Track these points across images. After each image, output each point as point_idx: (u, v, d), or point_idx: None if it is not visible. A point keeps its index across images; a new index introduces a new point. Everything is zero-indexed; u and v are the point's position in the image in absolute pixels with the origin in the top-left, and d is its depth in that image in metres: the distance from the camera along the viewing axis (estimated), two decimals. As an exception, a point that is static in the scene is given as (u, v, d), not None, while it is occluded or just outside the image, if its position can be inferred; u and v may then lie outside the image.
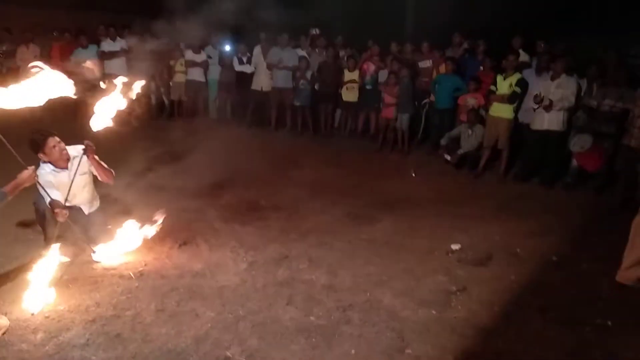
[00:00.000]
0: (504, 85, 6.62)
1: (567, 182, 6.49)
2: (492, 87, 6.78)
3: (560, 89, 6.17)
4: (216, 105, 9.83)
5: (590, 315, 3.43)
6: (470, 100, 7.29)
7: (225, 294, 3.55)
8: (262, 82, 9.09)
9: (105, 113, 4.04)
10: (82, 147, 4.01)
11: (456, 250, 4.45)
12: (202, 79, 9.41)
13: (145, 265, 3.94)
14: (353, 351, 2.96)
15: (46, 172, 3.87)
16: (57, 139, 3.87)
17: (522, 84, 6.50)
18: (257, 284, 3.72)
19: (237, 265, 4.01)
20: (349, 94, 8.48)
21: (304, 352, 2.94)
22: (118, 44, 8.80)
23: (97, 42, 8.91)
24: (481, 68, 7.57)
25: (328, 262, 4.10)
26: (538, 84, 6.43)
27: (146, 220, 4.27)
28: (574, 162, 6.35)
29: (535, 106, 6.17)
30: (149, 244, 4.23)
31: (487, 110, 7.04)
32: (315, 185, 6.19)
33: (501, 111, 6.69)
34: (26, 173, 3.31)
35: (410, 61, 8.17)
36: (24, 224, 4.49)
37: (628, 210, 5.44)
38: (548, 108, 6.11)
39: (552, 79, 6.23)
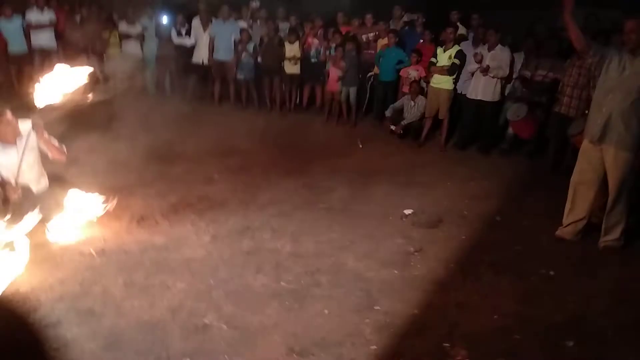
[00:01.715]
0: (444, 57, 6.89)
1: (502, 149, 6.93)
2: (433, 60, 7.04)
3: (495, 60, 6.53)
4: (154, 80, 9.49)
5: (535, 267, 3.78)
6: (412, 72, 7.52)
7: (193, 266, 3.57)
8: (202, 54, 8.88)
9: (50, 89, 3.87)
10: (29, 122, 3.82)
11: (409, 214, 4.69)
12: (139, 52, 9.04)
13: (105, 241, 3.86)
14: (326, 311, 3.11)
15: (-8, 149, 3.67)
16: (10, 114, 3.65)
17: (461, 55, 6.80)
18: (224, 255, 3.77)
19: (200, 238, 4.02)
20: (291, 67, 8.45)
21: (279, 314, 3.06)
22: (46, 15, 8.23)
23: (22, 13, 8.28)
24: (421, 41, 7.81)
25: (291, 231, 4.20)
26: (475, 55, 6.74)
27: (96, 194, 4.17)
28: (510, 130, 6.78)
29: (476, 67, 6.49)
30: (105, 220, 4.14)
31: (428, 82, 7.32)
32: (266, 158, 6.22)
33: (441, 82, 6.97)
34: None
35: (354, 34, 8.27)
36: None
37: (558, 172, 5.97)
38: (485, 72, 6.46)
39: (488, 50, 6.57)
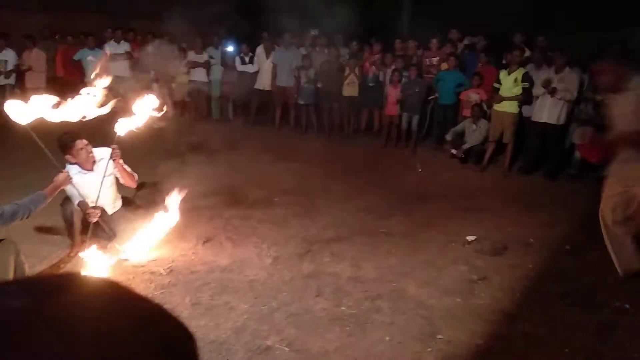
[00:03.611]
0: (509, 80, 6.77)
1: (570, 174, 6.67)
2: (496, 85, 6.92)
3: (562, 83, 6.34)
4: (219, 105, 9.91)
5: (607, 299, 3.59)
6: (473, 95, 7.43)
7: (256, 287, 3.66)
8: (265, 81, 9.20)
9: (131, 117, 4.12)
10: (108, 149, 4.09)
11: (472, 241, 4.59)
12: (205, 79, 9.49)
13: (173, 261, 4.03)
14: (387, 338, 3.08)
15: (73, 174, 3.95)
16: (85, 141, 3.95)
17: (528, 78, 6.65)
18: (285, 277, 3.83)
19: (262, 261, 4.11)
20: (349, 89, 8.55)
21: (340, 339, 3.06)
22: (122, 47, 8.85)
23: (102, 46, 8.94)
24: (479, 64, 7.70)
25: (350, 255, 4.22)
26: (540, 77, 6.58)
27: (164, 216, 4.37)
28: (577, 154, 6.52)
29: (542, 90, 6.32)
30: (173, 241, 4.33)
31: (489, 105, 7.20)
32: (326, 182, 6.29)
33: (506, 106, 6.84)
34: (62, 176, 3.41)
35: (415, 59, 8.29)
36: (43, 227, 4.52)
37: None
38: (552, 93, 6.27)
39: (556, 72, 6.39)
